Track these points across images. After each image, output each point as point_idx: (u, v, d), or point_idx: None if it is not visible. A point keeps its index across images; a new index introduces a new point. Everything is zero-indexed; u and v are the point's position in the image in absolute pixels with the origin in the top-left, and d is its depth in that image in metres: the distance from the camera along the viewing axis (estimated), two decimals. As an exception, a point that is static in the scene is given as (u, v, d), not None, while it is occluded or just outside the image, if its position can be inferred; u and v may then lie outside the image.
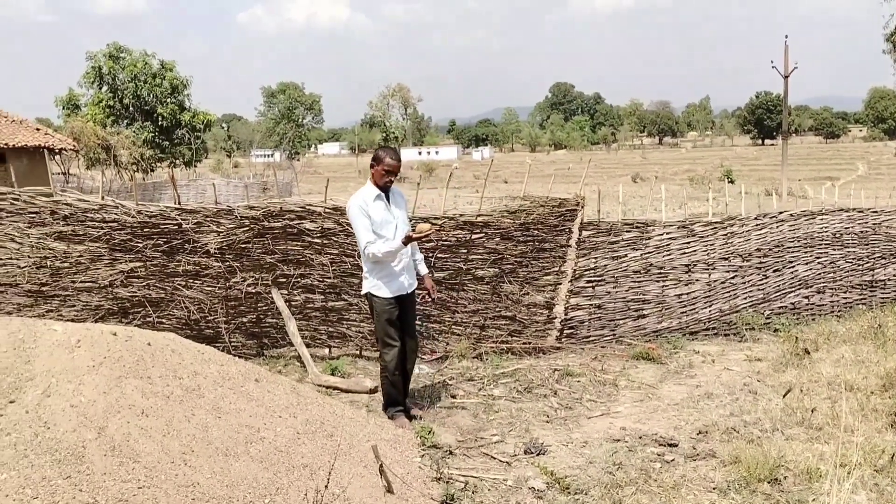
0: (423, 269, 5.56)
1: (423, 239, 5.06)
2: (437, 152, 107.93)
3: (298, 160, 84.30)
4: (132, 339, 3.83)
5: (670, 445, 5.02)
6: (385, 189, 5.15)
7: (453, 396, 5.98)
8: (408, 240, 5.00)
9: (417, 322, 6.99)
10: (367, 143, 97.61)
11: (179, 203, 6.56)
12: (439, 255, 6.93)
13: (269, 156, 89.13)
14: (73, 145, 26.93)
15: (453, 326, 7.17)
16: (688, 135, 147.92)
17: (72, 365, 3.52)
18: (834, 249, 9.46)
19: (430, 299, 5.61)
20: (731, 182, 42.11)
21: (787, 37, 34.08)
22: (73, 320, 6.36)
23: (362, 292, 5.37)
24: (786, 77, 34.21)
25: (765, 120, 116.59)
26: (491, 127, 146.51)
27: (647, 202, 27.61)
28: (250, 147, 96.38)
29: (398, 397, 5.32)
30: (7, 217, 6.45)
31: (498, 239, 7.04)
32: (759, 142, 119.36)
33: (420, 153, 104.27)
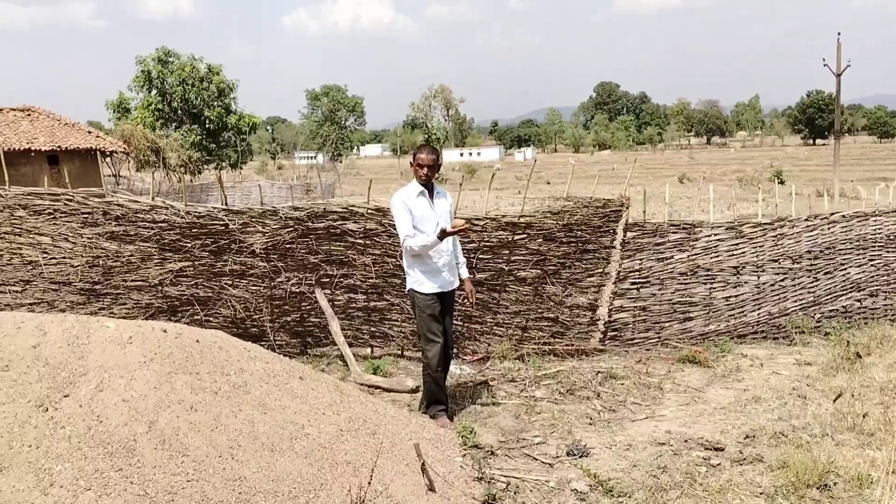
0: (465, 273, 5.59)
1: (459, 234, 5.11)
2: (479, 153, 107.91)
3: (341, 162, 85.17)
4: (181, 336, 3.92)
5: (716, 449, 4.93)
6: (428, 186, 5.22)
7: (494, 397, 5.97)
8: (443, 234, 5.04)
9: (458, 322, 7.02)
10: (409, 144, 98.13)
11: (226, 204, 6.70)
12: (481, 256, 6.93)
13: (312, 157, 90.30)
14: (124, 148, 27.69)
15: (495, 327, 7.16)
16: (737, 134, 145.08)
17: (124, 361, 3.62)
18: (888, 252, 9.17)
19: (469, 302, 5.64)
20: (782, 183, 41.14)
21: (839, 34, 33.22)
22: (124, 318, 6.55)
23: (406, 289, 5.42)
24: (838, 75, 33.32)
25: (816, 119, 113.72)
26: (534, 128, 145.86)
27: (694, 203, 27.16)
28: (294, 149, 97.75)
29: (440, 395, 5.33)
30: (61, 217, 6.67)
31: (541, 240, 7.00)
32: (811, 142, 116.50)
33: (462, 154, 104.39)
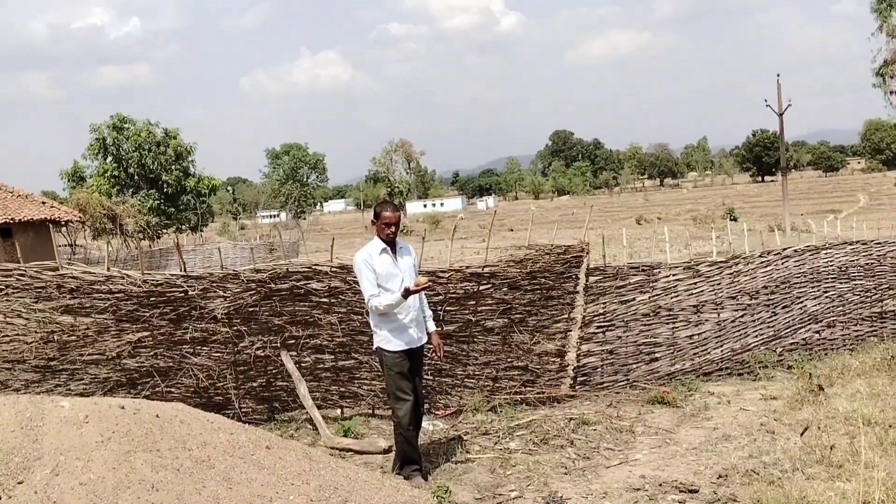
0: (432, 326, 5.57)
1: (423, 290, 5.12)
2: (441, 204, 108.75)
3: (304, 219, 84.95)
4: (140, 412, 3.81)
5: (691, 492, 4.92)
6: (391, 243, 5.22)
7: (468, 452, 5.89)
8: (406, 293, 5.05)
9: (429, 377, 6.95)
10: (372, 198, 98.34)
11: (185, 270, 6.59)
12: (448, 308, 6.91)
13: (275, 216, 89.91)
14: (79, 217, 27.25)
15: (466, 380, 7.11)
16: (688, 175, 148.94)
17: (80, 442, 3.49)
18: (841, 283, 9.40)
19: (437, 356, 5.62)
20: (735, 220, 42.17)
21: (778, 76, 34.69)
22: (81, 394, 6.33)
23: (374, 347, 5.38)
24: (780, 114, 34.65)
25: (763, 157, 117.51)
26: (494, 177, 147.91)
27: (652, 244, 27.62)
28: (256, 208, 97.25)
29: (414, 454, 5.24)
30: (14, 293, 6.48)
31: (506, 289, 7.03)
32: (759, 179, 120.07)
33: (425, 206, 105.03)
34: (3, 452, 3.41)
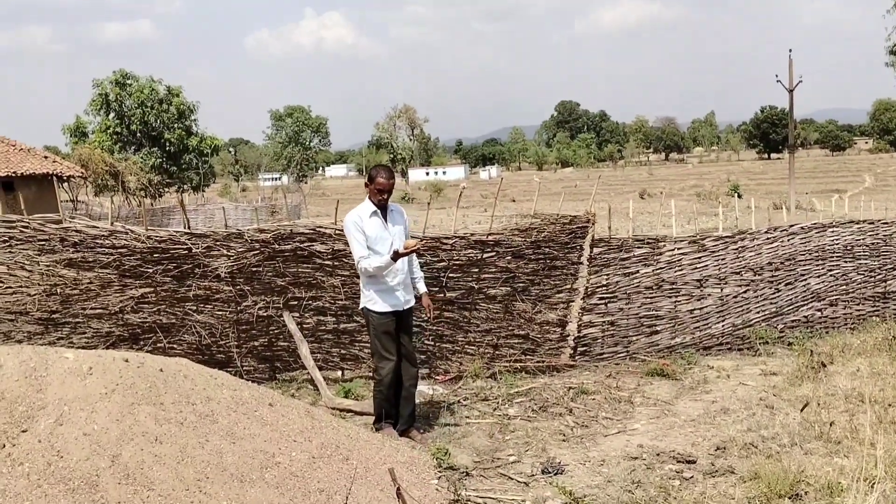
0: (422, 288, 5.59)
1: (412, 253, 5.14)
2: (444, 172, 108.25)
3: (306, 183, 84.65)
4: (144, 366, 3.81)
5: (688, 462, 4.94)
6: (382, 206, 5.23)
7: (468, 417, 5.92)
8: (395, 255, 5.08)
9: (430, 343, 6.97)
10: (375, 163, 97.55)
11: (189, 228, 6.57)
12: (451, 275, 6.90)
13: (276, 179, 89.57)
14: (82, 172, 27.14)
15: (466, 346, 7.12)
16: (693, 150, 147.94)
17: (84, 392, 3.49)
18: (845, 262, 9.37)
19: (427, 316, 5.69)
20: (739, 196, 42.01)
21: (790, 51, 34.20)
22: (83, 347, 6.35)
23: (360, 307, 5.43)
24: (791, 91, 34.25)
25: (770, 134, 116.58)
26: (497, 146, 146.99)
27: (655, 218, 27.55)
28: (258, 171, 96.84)
29: (391, 411, 5.37)
30: (17, 245, 6.46)
31: (509, 257, 7.01)
32: (766, 156, 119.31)
33: (427, 174, 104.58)
34: (7, 401, 3.41)
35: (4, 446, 3.20)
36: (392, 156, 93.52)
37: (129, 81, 46.11)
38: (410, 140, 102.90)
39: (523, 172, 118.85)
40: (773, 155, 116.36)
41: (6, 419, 3.33)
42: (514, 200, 51.19)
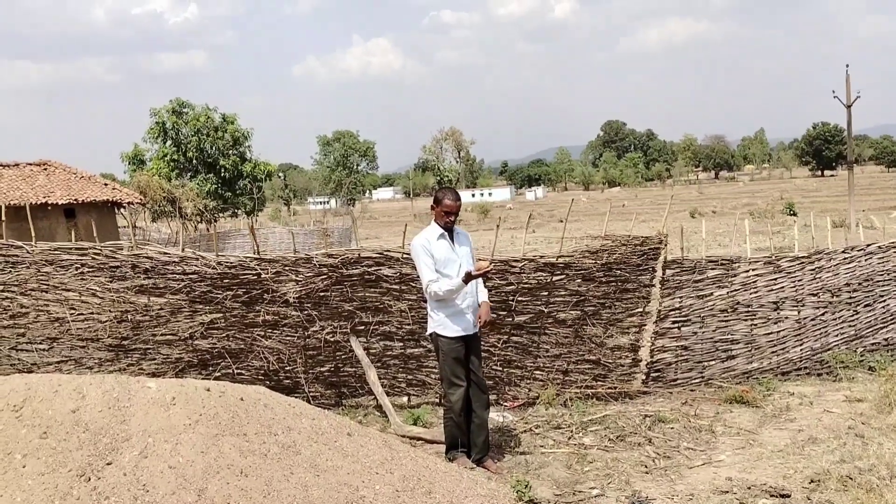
0: (483, 297, 5.28)
1: (483, 275, 4.99)
2: (490, 193, 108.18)
3: (354, 206, 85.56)
4: (225, 395, 3.74)
5: (783, 496, 4.67)
6: (448, 229, 5.17)
7: (542, 446, 5.72)
8: (468, 277, 4.99)
9: (498, 368, 6.80)
10: (421, 186, 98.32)
11: (258, 253, 6.56)
12: (520, 299, 6.74)
13: (325, 203, 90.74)
14: (140, 199, 27.78)
15: (535, 371, 6.93)
16: (745, 168, 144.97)
17: (168, 423, 3.43)
18: (927, 281, 8.89)
19: (481, 322, 5.19)
20: (794, 214, 40.83)
21: (847, 66, 33.28)
22: (153, 374, 6.37)
23: (427, 332, 5.31)
24: (849, 106, 33.29)
25: (823, 150, 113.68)
26: (543, 167, 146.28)
27: (710, 237, 26.93)
28: (307, 195, 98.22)
29: (463, 438, 5.23)
30: (89, 272, 6.54)
31: (579, 280, 6.81)
32: (819, 173, 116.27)
33: (473, 195, 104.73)
34: (91, 433, 3.37)
35: (90, 479, 3.14)
36: (438, 178, 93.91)
37: (185, 110, 47.31)
38: (457, 162, 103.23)
39: (570, 192, 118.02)
40: (827, 172, 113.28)
41: (91, 451, 3.28)
42: (561, 221, 50.74)
